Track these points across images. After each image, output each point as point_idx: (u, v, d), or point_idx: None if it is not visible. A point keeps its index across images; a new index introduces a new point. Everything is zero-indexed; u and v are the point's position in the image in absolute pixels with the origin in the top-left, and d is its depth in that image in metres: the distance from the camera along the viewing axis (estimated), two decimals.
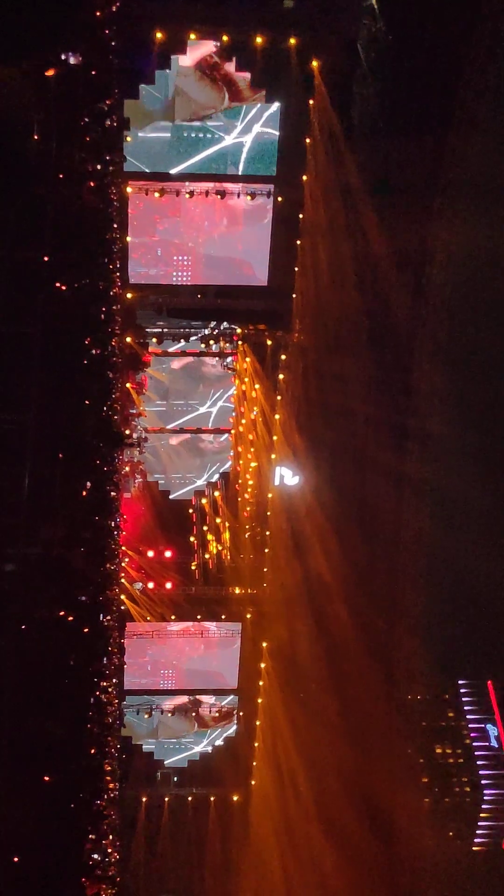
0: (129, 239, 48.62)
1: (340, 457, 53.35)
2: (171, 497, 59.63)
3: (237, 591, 57.77)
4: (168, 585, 55.98)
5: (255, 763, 62.46)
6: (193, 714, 61.71)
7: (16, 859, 31.59)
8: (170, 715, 61.33)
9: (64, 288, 36.28)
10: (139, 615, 55.74)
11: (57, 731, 35.67)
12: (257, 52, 44.42)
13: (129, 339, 51.77)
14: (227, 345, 55.15)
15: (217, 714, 61.81)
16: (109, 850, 49.99)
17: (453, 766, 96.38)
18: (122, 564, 53.82)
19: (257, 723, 61.42)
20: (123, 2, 39.73)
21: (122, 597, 53.98)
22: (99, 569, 44.20)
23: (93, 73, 37.89)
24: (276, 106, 46.67)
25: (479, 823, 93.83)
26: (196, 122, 46.83)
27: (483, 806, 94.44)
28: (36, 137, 34.99)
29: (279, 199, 48.82)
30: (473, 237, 48.63)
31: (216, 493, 59.69)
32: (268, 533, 57.73)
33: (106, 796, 48.65)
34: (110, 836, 50.46)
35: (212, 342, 54.44)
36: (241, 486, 58.29)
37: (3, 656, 33.80)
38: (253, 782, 62.71)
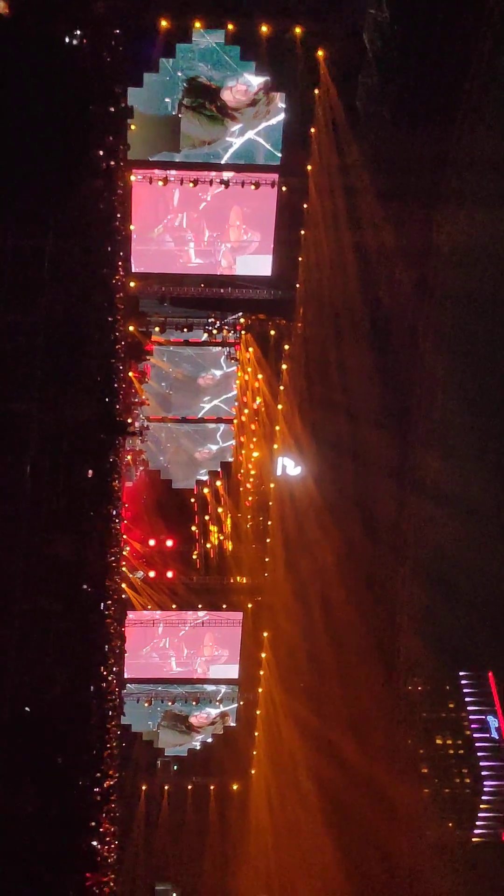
0: (132, 227, 48.56)
1: (343, 447, 53.29)
2: (172, 486, 59.69)
3: (238, 580, 57.85)
4: (169, 574, 56.08)
5: (255, 752, 62.57)
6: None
7: (14, 846, 31.65)
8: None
9: (66, 276, 36.20)
10: (140, 604, 55.84)
11: (57, 719, 35.70)
12: (262, 42, 44.24)
13: (131, 328, 51.75)
14: (231, 334, 55.12)
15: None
16: (108, 839, 50.06)
17: (453, 757, 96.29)
18: (124, 553, 53.87)
19: (258, 712, 61.50)
20: None
21: (123, 585, 54.05)
22: (100, 557, 44.19)
23: (96, 60, 37.76)
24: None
25: (479, 815, 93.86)
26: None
27: (483, 797, 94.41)
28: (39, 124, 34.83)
29: (283, 188, 48.68)
30: (478, 228, 48.50)
31: (218, 483, 59.70)
32: (269, 523, 57.70)
33: (105, 784, 48.68)
34: (110, 825, 50.55)
35: (215, 332, 54.39)
36: (243, 475, 58.31)
37: (4, 644, 33.81)
38: (253, 771, 62.84)
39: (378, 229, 47.53)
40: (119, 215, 45.26)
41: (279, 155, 47.69)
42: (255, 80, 45.83)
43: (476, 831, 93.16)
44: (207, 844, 63.06)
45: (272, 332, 53.87)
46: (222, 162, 47.84)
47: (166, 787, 63.19)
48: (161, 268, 50.98)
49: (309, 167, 47.92)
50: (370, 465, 53.69)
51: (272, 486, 56.63)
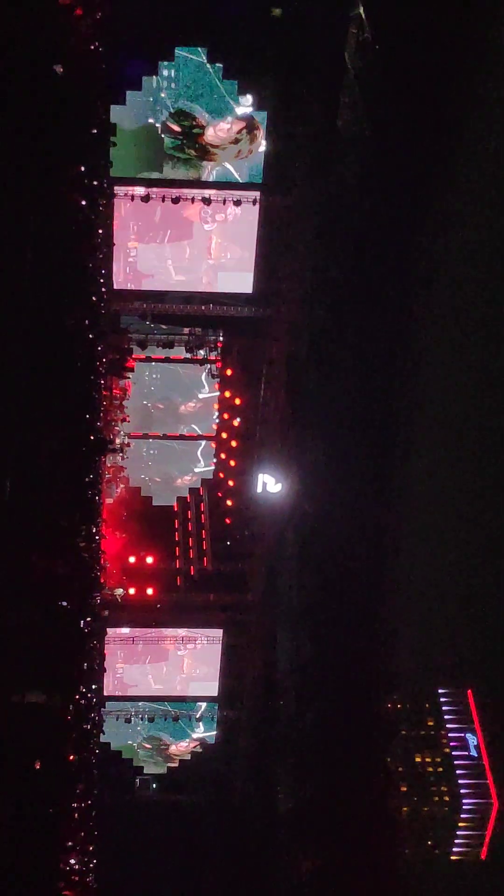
0: (113, 244, 48.56)
1: (323, 465, 53.38)
2: (153, 503, 59.65)
3: (218, 597, 57.66)
4: (149, 591, 55.84)
5: (234, 770, 62.33)
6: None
7: None
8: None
9: (47, 292, 36.12)
10: (120, 621, 55.59)
11: (35, 737, 35.51)
12: (245, 61, 44.41)
13: (112, 345, 51.70)
14: (212, 352, 55.18)
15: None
16: (87, 857, 49.84)
17: (432, 774, 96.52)
18: (104, 570, 53.70)
19: (237, 729, 61.32)
20: (111, 8, 39.63)
21: (103, 602, 53.84)
22: (79, 574, 44.05)
23: (79, 76, 37.78)
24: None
25: (458, 833, 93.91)
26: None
27: (462, 815, 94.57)
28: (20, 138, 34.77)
29: (265, 206, 48.75)
30: (461, 243, 48.84)
31: (199, 500, 59.65)
32: (250, 540, 57.65)
33: (84, 803, 48.47)
34: (88, 843, 50.30)
35: (196, 349, 54.46)
36: (224, 492, 58.27)
37: None
38: (232, 789, 62.61)
39: (360, 246, 47.69)
40: (100, 231, 45.26)
41: (261, 174, 47.81)
42: (238, 119, 46.10)
43: (455, 849, 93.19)
44: (186, 862, 62.79)
45: (253, 349, 53.92)
46: (205, 180, 47.98)
47: (145, 805, 62.87)
48: (142, 284, 50.95)
49: (291, 185, 48.04)
50: (351, 482, 53.78)
51: (253, 503, 56.58)
